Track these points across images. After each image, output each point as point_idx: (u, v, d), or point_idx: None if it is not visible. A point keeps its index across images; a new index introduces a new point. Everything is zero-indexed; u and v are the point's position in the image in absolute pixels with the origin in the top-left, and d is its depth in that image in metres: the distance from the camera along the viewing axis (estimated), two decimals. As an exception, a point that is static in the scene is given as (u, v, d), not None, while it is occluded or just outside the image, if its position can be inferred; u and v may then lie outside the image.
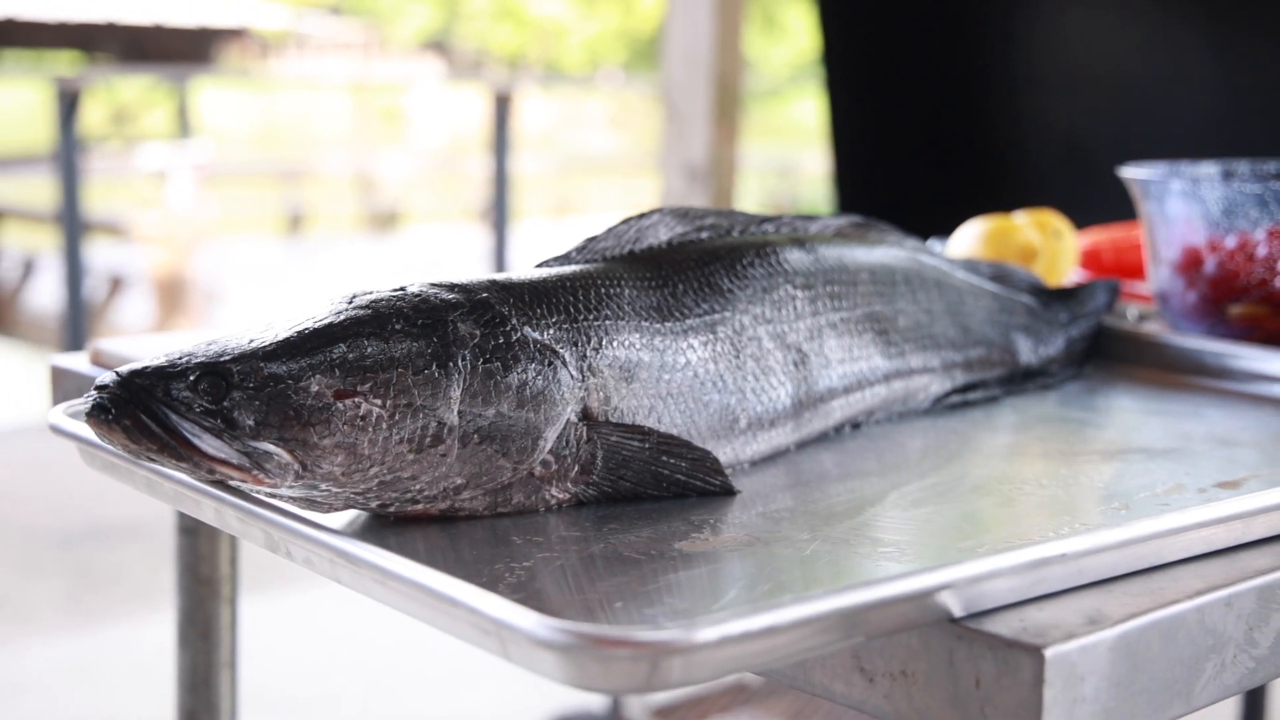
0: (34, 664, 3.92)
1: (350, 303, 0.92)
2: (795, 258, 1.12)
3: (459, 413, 0.88)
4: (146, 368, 0.86)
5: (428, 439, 0.87)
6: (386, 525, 0.91)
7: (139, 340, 1.37)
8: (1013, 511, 0.96)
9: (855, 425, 1.17)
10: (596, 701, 3.50)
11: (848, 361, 1.13)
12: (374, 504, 0.89)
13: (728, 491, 0.97)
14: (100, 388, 0.86)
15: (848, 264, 1.16)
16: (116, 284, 9.47)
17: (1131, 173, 1.47)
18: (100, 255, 9.66)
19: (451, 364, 0.89)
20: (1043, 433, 1.20)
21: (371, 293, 0.93)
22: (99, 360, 1.32)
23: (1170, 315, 1.47)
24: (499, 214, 8.34)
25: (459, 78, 22.58)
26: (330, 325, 0.89)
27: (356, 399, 0.86)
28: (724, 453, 1.01)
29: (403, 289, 0.93)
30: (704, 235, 1.11)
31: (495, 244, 8.25)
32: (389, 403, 0.87)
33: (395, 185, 16.46)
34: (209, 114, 18.00)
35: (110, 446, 0.89)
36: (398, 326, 0.89)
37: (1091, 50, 2.80)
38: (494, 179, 8.36)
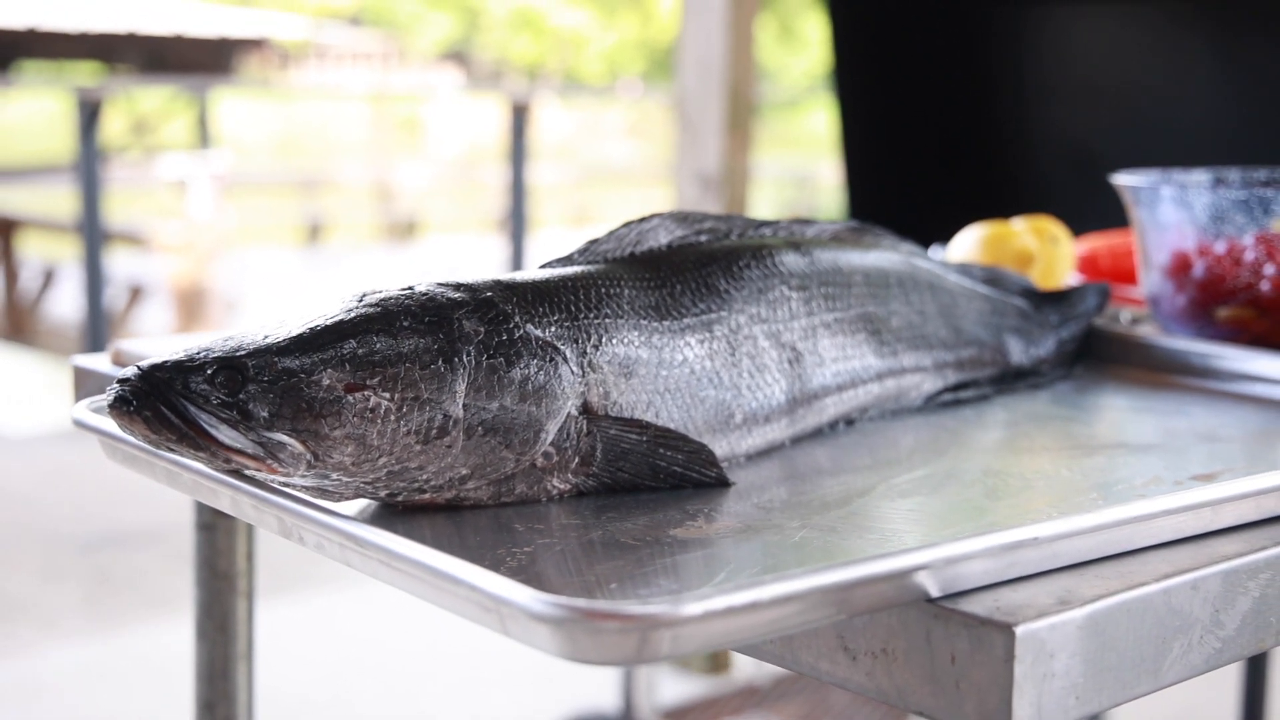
0: (53, 668, 3.97)
1: (360, 301, 0.96)
2: (791, 260, 1.16)
3: (464, 406, 0.93)
4: (166, 362, 0.90)
5: (434, 431, 0.92)
6: (395, 513, 0.96)
7: (159, 341, 1.41)
8: (997, 502, 0.99)
9: (849, 422, 1.21)
10: (610, 704, 3.53)
11: (841, 360, 1.17)
12: (383, 493, 0.93)
13: (723, 483, 1.01)
14: (122, 381, 0.90)
15: (842, 266, 1.20)
16: (136, 293, 9.52)
17: (1123, 179, 1.51)
18: (120, 264, 9.73)
19: (457, 359, 0.93)
20: (1031, 429, 1.24)
21: (381, 292, 0.97)
22: (120, 360, 1.37)
23: (1161, 318, 1.51)
24: (516, 223, 8.38)
25: (478, 88, 22.64)
26: (341, 322, 0.93)
27: (366, 392, 0.90)
28: (720, 446, 1.06)
29: (410, 288, 0.98)
30: (702, 238, 1.16)
31: (512, 253, 8.29)
32: (397, 396, 0.91)
33: (413, 195, 16.51)
34: (229, 124, 18.08)
35: (131, 438, 0.93)
36: (405, 324, 0.94)
37: (1099, 60, 2.83)
38: (511, 188, 8.41)
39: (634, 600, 0.71)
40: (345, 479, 0.92)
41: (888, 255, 1.29)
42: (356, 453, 0.90)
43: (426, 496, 0.94)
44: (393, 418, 0.91)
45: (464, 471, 0.94)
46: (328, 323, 0.93)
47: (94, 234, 7.36)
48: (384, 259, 14.24)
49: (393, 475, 0.92)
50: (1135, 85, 2.78)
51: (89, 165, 7.38)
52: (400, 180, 16.56)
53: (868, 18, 3.03)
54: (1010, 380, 1.36)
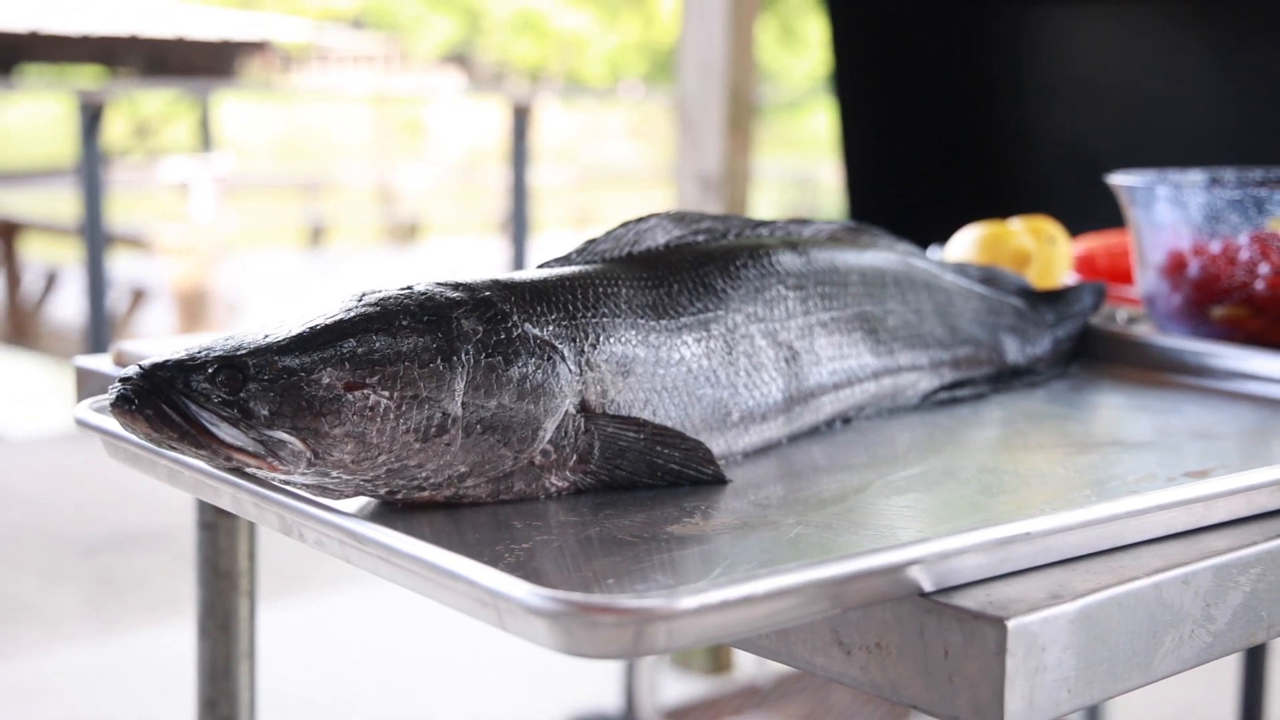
0: (55, 669, 3.98)
1: (360, 301, 0.97)
2: (788, 260, 1.17)
3: (462, 404, 0.93)
4: (167, 361, 0.91)
5: (433, 429, 0.93)
6: (394, 511, 0.96)
7: (161, 341, 1.42)
8: (992, 499, 1.00)
9: (846, 420, 1.22)
10: (611, 704, 3.54)
11: (838, 359, 1.18)
12: (382, 491, 0.94)
13: (719, 481, 1.02)
14: (124, 380, 0.91)
15: (839, 266, 1.21)
16: (138, 296, 9.55)
17: (1119, 179, 1.52)
18: (122, 267, 9.74)
19: (455, 358, 0.94)
20: (1027, 427, 1.24)
21: (380, 291, 0.98)
22: (122, 361, 1.38)
23: (1157, 317, 1.52)
24: (518, 226, 8.40)
25: (479, 90, 22.66)
26: (341, 321, 0.94)
27: (365, 390, 0.91)
28: (716, 444, 1.06)
29: (409, 288, 0.99)
30: (700, 238, 1.16)
31: (514, 255, 8.30)
32: (396, 394, 0.92)
33: (415, 197, 16.53)
34: (231, 127, 18.11)
35: (134, 437, 0.94)
36: (404, 323, 0.94)
37: (1099, 61, 2.84)
38: (513, 190, 8.42)
39: (630, 594, 0.72)
40: (345, 477, 0.92)
41: (884, 255, 1.30)
42: (356, 450, 0.91)
43: (426, 494, 0.95)
44: (392, 416, 0.92)
45: (463, 469, 0.94)
46: (327, 322, 0.94)
47: (96, 237, 7.38)
48: (386, 261, 14.26)
49: (392, 473, 0.93)
50: (1134, 86, 2.79)
51: (91, 168, 7.39)
52: (402, 182, 16.58)
53: (868, 19, 3.04)
54: (1006, 379, 1.36)
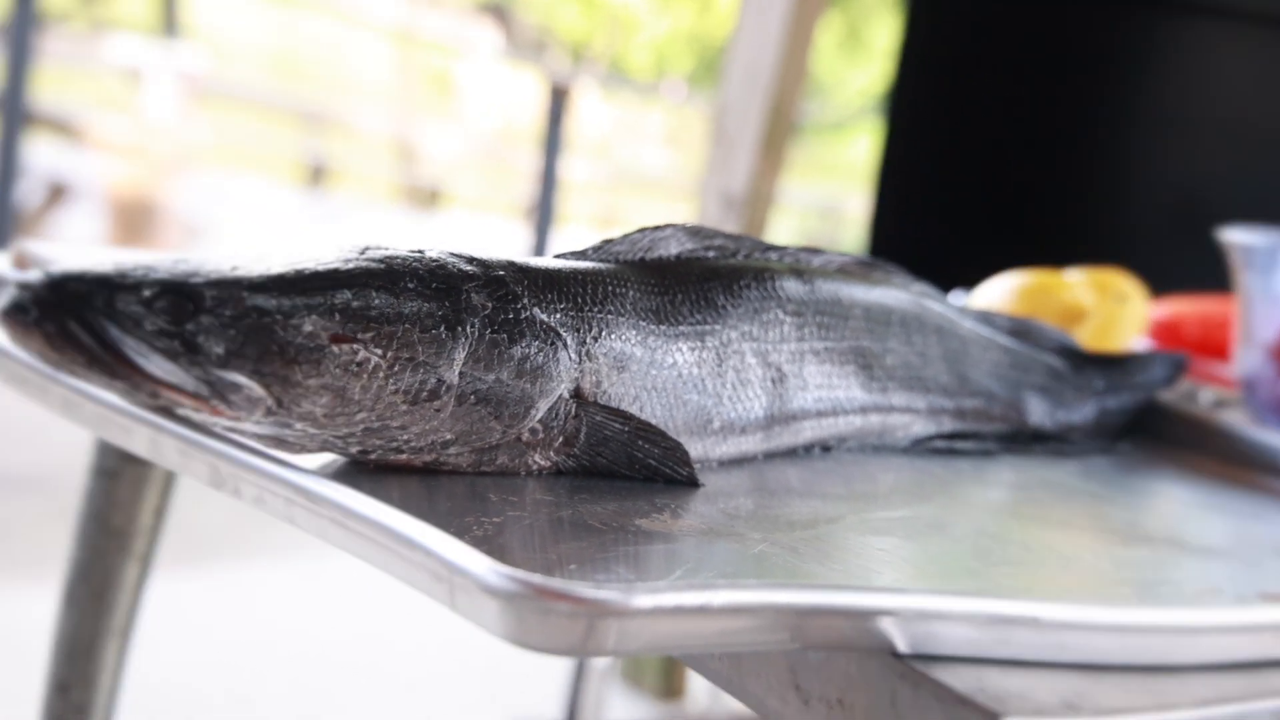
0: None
1: (362, 254, 1.00)
2: (791, 286, 1.25)
3: (460, 374, 0.98)
4: (87, 273, 0.89)
5: (425, 393, 0.97)
6: (362, 471, 0.98)
7: (80, 249, 1.29)
8: (990, 567, 0.96)
9: (826, 448, 1.28)
10: (553, 717, 3.54)
11: (825, 387, 1.26)
12: (354, 449, 0.98)
13: (693, 483, 1.08)
14: (23, 286, 0.87)
15: (842, 299, 1.29)
16: (58, 192, 8.95)
17: (1234, 236, 1.43)
18: (42, 154, 9.13)
19: (460, 329, 0.99)
20: (1046, 498, 1.22)
21: (388, 249, 1.02)
22: (23, 264, 1.29)
23: (1255, 405, 1.43)
24: (543, 214, 8.42)
25: (517, 55, 22.56)
26: (337, 270, 0.97)
27: (355, 345, 0.94)
28: (695, 448, 1.14)
29: (421, 252, 1.03)
30: (710, 254, 1.25)
31: (536, 244, 8.35)
32: (390, 354, 0.95)
33: (438, 161, 16.21)
34: (208, 14, 17.06)
35: (23, 355, 0.91)
36: (410, 285, 0.98)
37: (1230, 90, 2.67)
38: (542, 176, 8.45)
39: (589, 583, 0.75)
40: (311, 430, 0.95)
41: (894, 293, 1.36)
42: (331, 405, 0.94)
43: (404, 457, 0.99)
44: (381, 375, 0.95)
45: (448, 436, 0.99)
46: (319, 268, 0.97)
47: (14, 112, 6.97)
48: (398, 223, 13.98)
49: (370, 432, 0.96)
50: (1269, 125, 2.68)
51: (20, 31, 6.93)
52: (424, 141, 16.28)
53: (951, 20, 2.90)
54: (1025, 441, 1.40)
